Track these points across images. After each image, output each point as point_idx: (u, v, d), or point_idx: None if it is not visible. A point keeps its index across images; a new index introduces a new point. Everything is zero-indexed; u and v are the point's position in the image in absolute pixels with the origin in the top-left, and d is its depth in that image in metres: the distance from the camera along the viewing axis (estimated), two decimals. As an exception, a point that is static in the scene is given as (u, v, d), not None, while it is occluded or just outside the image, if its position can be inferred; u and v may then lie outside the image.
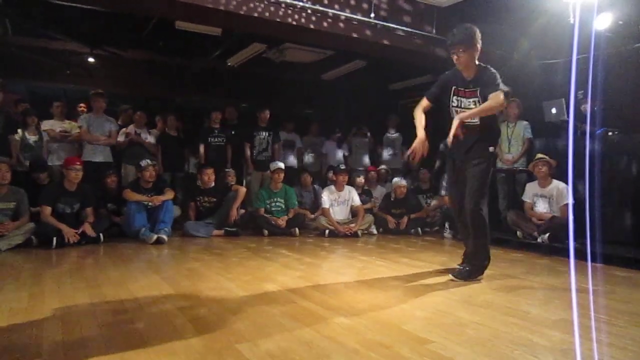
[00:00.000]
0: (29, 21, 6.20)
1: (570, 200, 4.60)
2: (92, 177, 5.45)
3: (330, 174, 7.11)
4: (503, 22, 5.65)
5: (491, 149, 3.28)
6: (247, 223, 6.11)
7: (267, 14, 4.82)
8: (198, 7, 4.51)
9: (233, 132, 6.87)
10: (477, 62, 3.23)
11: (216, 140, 6.62)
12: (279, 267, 3.79)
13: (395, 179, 6.66)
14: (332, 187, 6.25)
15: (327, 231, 5.89)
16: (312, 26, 5.09)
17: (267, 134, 6.83)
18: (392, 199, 6.60)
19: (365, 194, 6.83)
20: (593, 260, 3.85)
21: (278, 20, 4.90)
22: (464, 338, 2.08)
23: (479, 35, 3.17)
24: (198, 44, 7.09)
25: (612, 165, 4.80)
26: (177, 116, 6.83)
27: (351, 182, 6.62)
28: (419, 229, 6.31)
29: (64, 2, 4.92)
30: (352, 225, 5.96)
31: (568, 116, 5.32)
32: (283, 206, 6.21)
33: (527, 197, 5.28)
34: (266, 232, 5.87)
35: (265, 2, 4.80)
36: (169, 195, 5.47)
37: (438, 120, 3.47)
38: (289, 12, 4.95)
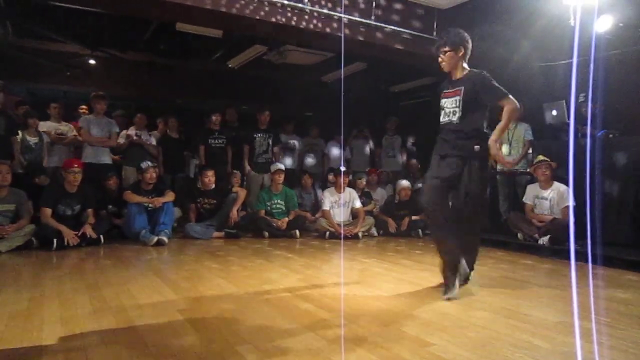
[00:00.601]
0: (29, 23, 6.21)
1: (571, 203, 4.60)
2: (92, 178, 5.44)
3: (331, 176, 7.11)
4: (503, 24, 5.65)
5: (477, 147, 3.16)
6: (248, 225, 6.10)
7: (264, 13, 4.81)
8: (198, 9, 4.51)
9: (233, 134, 6.87)
10: (465, 66, 3.24)
11: (216, 142, 6.62)
12: (279, 269, 3.79)
13: (400, 181, 6.65)
14: (333, 189, 6.24)
15: (327, 233, 5.88)
16: (312, 28, 5.09)
17: (267, 136, 6.83)
18: (396, 202, 6.58)
19: (365, 196, 6.82)
20: (594, 262, 3.84)
21: (279, 22, 4.91)
22: (465, 340, 2.07)
23: (466, 39, 3.19)
24: (199, 45, 7.10)
25: (613, 167, 4.80)
26: (178, 118, 6.84)
27: (351, 184, 6.62)
28: (420, 230, 6.30)
29: (64, 4, 4.92)
30: (353, 227, 5.95)
31: (569, 118, 5.32)
32: (283, 208, 6.20)
33: (527, 199, 5.27)
34: (266, 234, 5.86)
35: (267, 4, 4.80)
36: (170, 197, 5.47)
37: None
38: (290, 14, 4.95)
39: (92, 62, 7.83)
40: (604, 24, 5.01)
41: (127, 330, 2.14)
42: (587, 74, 3.56)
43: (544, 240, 4.85)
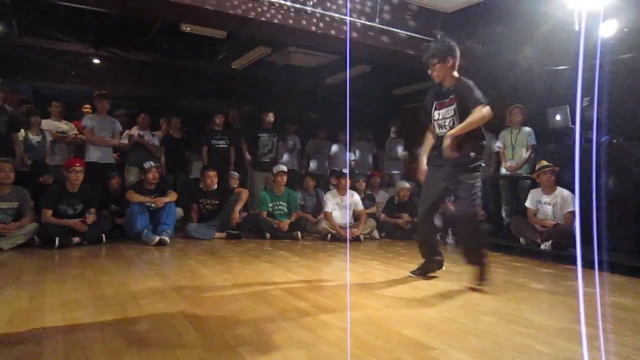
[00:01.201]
0: (34, 22, 6.22)
1: (576, 208, 4.58)
2: (95, 178, 5.45)
3: (333, 178, 7.11)
4: (508, 28, 5.64)
5: (472, 154, 3.24)
6: (250, 226, 6.10)
7: (270, 16, 4.82)
8: (203, 10, 4.52)
9: (236, 135, 6.88)
10: (454, 74, 3.28)
11: (219, 143, 6.63)
12: (280, 270, 3.78)
13: (399, 182, 6.69)
14: (335, 191, 6.24)
15: (329, 235, 5.87)
16: (316, 30, 5.09)
17: (271, 135, 6.84)
18: (395, 202, 6.61)
19: (367, 198, 6.82)
20: (598, 268, 3.82)
21: (283, 24, 4.91)
22: (467, 345, 2.06)
23: (453, 48, 3.24)
24: (203, 46, 7.10)
25: (617, 173, 4.78)
26: (181, 118, 6.84)
27: (354, 187, 6.62)
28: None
29: (69, 4, 4.94)
30: (355, 229, 5.94)
31: (573, 123, 5.30)
32: (286, 209, 6.20)
33: (530, 204, 5.25)
34: (268, 235, 5.86)
35: (270, 6, 4.80)
36: (172, 197, 5.47)
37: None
38: (294, 15, 4.95)
39: (96, 61, 7.85)
40: (609, 29, 4.99)
41: (129, 329, 2.13)
42: (591, 79, 3.56)
43: (546, 245, 4.83)
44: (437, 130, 3.35)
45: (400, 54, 5.78)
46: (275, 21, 4.86)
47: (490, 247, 5.14)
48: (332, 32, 5.20)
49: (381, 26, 5.42)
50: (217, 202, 5.84)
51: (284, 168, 6.34)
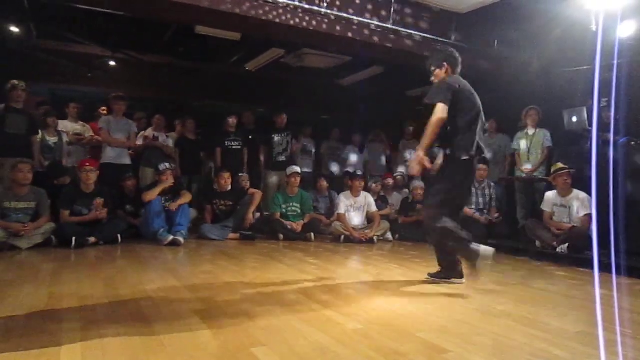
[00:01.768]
0: (52, 25, 6.33)
1: (593, 211, 4.51)
2: (111, 179, 5.52)
3: (347, 180, 7.10)
4: (524, 29, 5.59)
5: (447, 151, 3.31)
6: (263, 227, 6.12)
7: (285, 18, 4.84)
8: (218, 12, 4.54)
9: (250, 137, 6.91)
10: (447, 78, 3.40)
11: (233, 144, 6.66)
12: (294, 271, 3.79)
13: (414, 181, 6.64)
14: (348, 193, 6.23)
15: (342, 237, 5.87)
16: (330, 31, 5.10)
17: (285, 135, 6.87)
18: (409, 202, 6.59)
19: (381, 200, 6.80)
20: (615, 271, 3.76)
21: (297, 25, 4.92)
22: (482, 348, 2.04)
23: (448, 54, 3.44)
24: (217, 48, 7.15)
25: (635, 174, 4.70)
26: (196, 120, 6.89)
27: (367, 188, 6.60)
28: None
29: (86, 7, 5.01)
30: (368, 231, 5.93)
31: (590, 125, 5.23)
32: (299, 211, 6.21)
33: (546, 207, 5.19)
34: (281, 236, 5.87)
35: (285, 8, 4.82)
36: (186, 198, 5.51)
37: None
38: (308, 17, 4.96)
39: (112, 63, 7.94)
40: (627, 30, 4.92)
41: (144, 328, 2.15)
42: (609, 80, 3.51)
43: (562, 248, 4.77)
44: None
45: (415, 56, 5.75)
46: (292, 23, 4.88)
47: (506, 250, 5.11)
48: (347, 33, 5.19)
49: (395, 27, 5.40)
50: (231, 203, 5.87)
51: (298, 169, 6.34)
